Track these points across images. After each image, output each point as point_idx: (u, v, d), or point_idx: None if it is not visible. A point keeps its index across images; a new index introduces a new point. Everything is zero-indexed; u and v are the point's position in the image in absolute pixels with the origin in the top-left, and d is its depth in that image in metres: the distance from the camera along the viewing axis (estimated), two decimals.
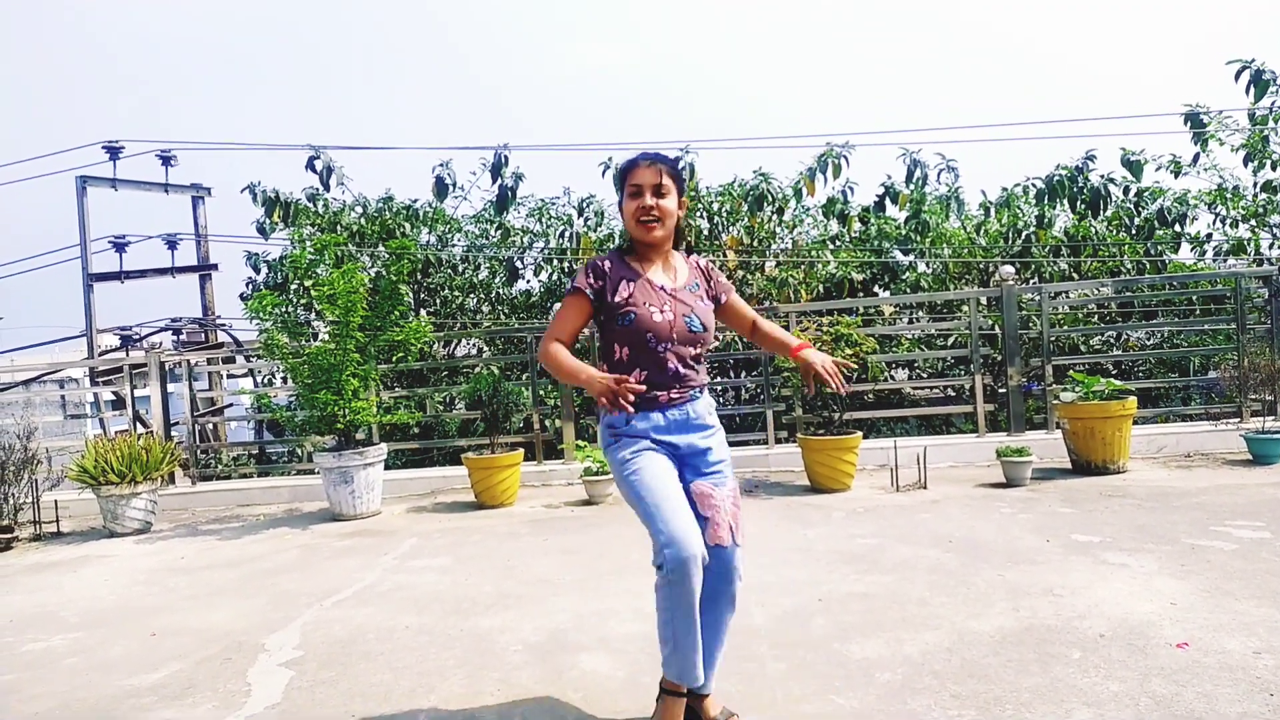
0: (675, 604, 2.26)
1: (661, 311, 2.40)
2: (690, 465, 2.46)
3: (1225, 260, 10.46)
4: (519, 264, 11.39)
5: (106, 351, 15.18)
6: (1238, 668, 2.64)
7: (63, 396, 16.82)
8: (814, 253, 10.67)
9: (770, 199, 10.50)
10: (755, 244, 10.60)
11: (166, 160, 13.69)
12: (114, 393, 12.80)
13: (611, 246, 10.97)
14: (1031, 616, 3.20)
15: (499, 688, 2.89)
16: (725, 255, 10.20)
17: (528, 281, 11.60)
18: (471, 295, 11.41)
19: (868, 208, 11.27)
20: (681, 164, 10.68)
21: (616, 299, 2.41)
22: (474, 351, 11.34)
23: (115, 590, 4.64)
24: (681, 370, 2.44)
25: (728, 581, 2.42)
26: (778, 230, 11.15)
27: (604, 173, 10.73)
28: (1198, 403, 7.92)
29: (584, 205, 11.17)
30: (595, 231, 11.02)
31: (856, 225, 11.32)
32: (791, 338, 2.69)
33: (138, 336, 15.37)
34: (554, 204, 11.44)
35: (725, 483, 2.45)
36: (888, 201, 11.13)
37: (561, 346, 2.41)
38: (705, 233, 10.58)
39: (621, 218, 2.50)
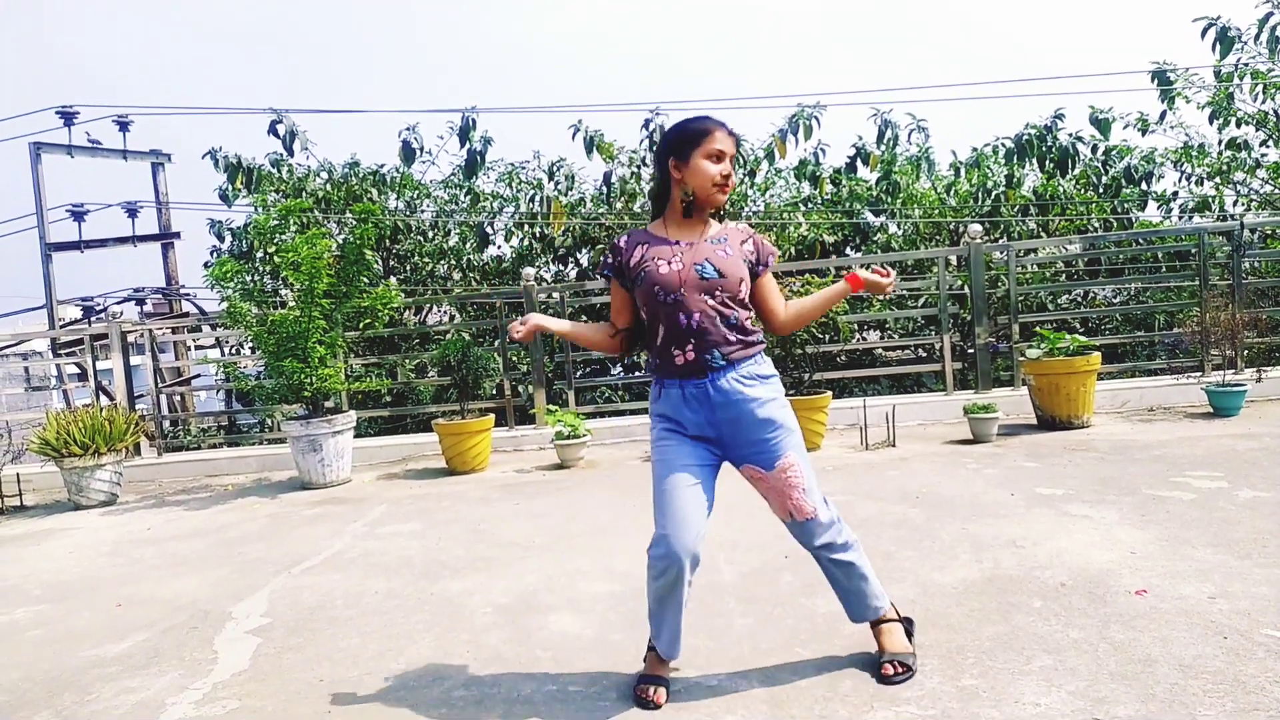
0: (653, 593, 2.40)
1: (669, 263, 2.33)
2: (733, 444, 2.38)
3: (1190, 218, 10.57)
4: (489, 229, 11.26)
5: (69, 323, 14.88)
6: (1193, 612, 2.70)
7: (26, 369, 16.50)
8: (786, 215, 10.65)
9: (742, 161, 10.43)
10: (728, 207, 10.55)
11: (124, 126, 13.33)
12: (77, 365, 12.58)
13: (581, 209, 10.90)
14: (994, 567, 3.25)
15: (468, 649, 2.89)
16: None
17: (499, 247, 11.49)
18: (442, 261, 11.27)
19: (839, 169, 11.23)
20: (652, 126, 10.57)
21: (632, 263, 2.39)
22: (446, 318, 11.24)
23: (80, 562, 4.59)
24: (699, 326, 2.31)
25: (812, 550, 2.48)
26: (750, 193, 11.10)
27: (574, 135, 10.60)
28: (1162, 358, 8.04)
29: (554, 169, 11.03)
30: (566, 195, 10.90)
31: (828, 187, 11.29)
32: (838, 286, 2.50)
33: (100, 307, 15.09)
34: (524, 168, 11.30)
35: (773, 463, 2.37)
36: (859, 163, 11.10)
37: (606, 333, 2.54)
38: None
39: (676, 175, 2.36)
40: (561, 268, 11.44)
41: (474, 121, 10.74)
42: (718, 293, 2.33)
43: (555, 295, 7.90)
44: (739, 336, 2.36)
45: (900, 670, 2.41)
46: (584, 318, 9.65)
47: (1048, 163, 10.50)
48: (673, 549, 2.28)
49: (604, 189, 10.66)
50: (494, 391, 7.67)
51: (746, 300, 2.40)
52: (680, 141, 2.36)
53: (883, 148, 10.81)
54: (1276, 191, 10.34)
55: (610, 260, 2.45)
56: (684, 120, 2.42)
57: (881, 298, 2.48)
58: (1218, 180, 10.47)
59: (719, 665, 2.59)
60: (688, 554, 2.29)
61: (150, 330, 8.07)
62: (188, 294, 14.84)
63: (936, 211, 10.92)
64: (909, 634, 2.57)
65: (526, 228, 11.10)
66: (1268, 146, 10.32)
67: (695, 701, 2.39)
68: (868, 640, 2.68)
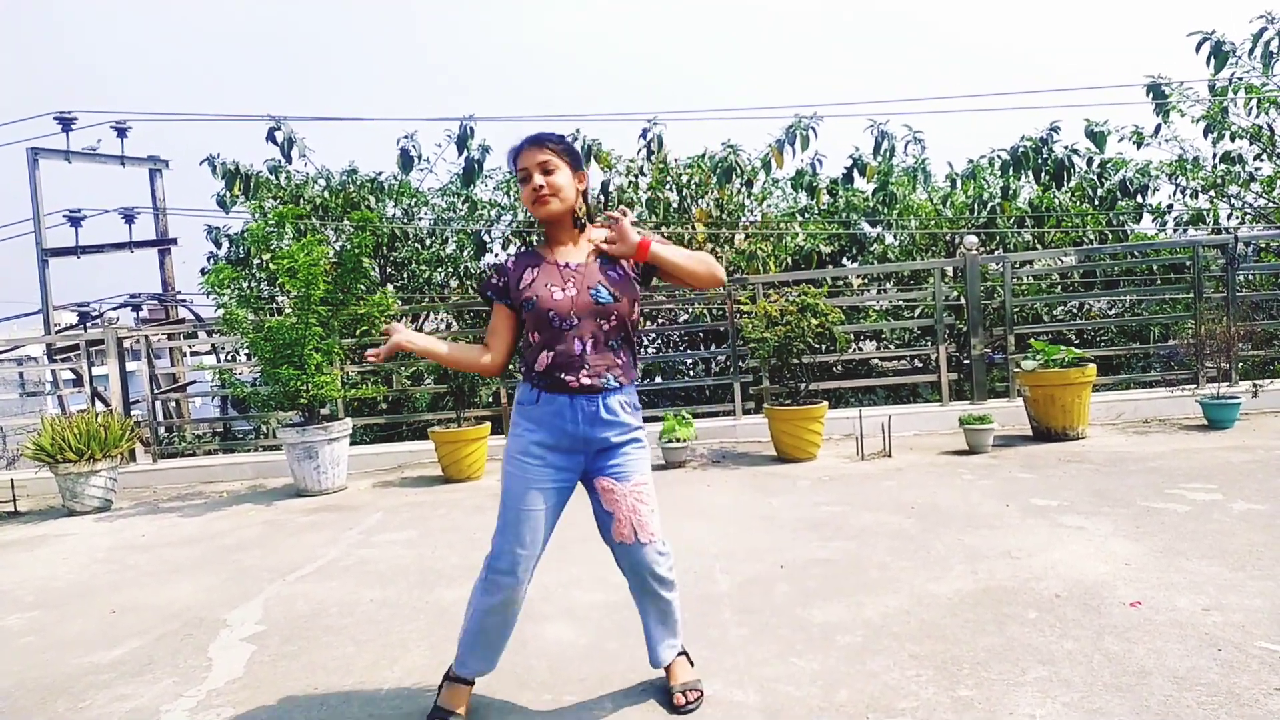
0: (491, 609, 2.39)
1: (563, 289, 2.30)
2: (596, 459, 2.38)
3: (1185, 230, 10.62)
4: (486, 237, 11.28)
5: (64, 328, 14.87)
6: (1187, 624, 2.70)
7: (20, 374, 16.46)
8: (783, 225, 10.68)
9: (739, 171, 10.46)
10: (724, 216, 10.58)
11: (122, 132, 13.33)
12: (72, 370, 12.55)
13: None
14: (989, 579, 3.25)
15: None
16: (694, 228, 10.17)
17: (495, 255, 11.51)
18: (439, 269, 11.29)
19: (836, 180, 11.28)
20: (649, 135, 10.60)
21: (520, 286, 2.34)
22: (442, 326, 11.25)
23: (73, 569, 4.57)
24: (591, 352, 2.30)
25: (640, 577, 2.42)
26: (747, 203, 11.12)
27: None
28: (1157, 370, 8.08)
29: None
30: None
31: (825, 197, 11.33)
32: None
33: (96, 313, 15.06)
34: None
35: (630, 477, 2.36)
36: (855, 173, 11.15)
37: (476, 355, 2.44)
38: (674, 205, 10.53)
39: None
40: None
41: (472, 130, 10.78)
42: (613, 317, 2.32)
43: None
44: (626, 358, 2.38)
45: (694, 696, 2.42)
46: None
47: (1043, 175, 10.55)
48: (517, 568, 2.32)
49: (601, 198, 10.68)
50: (490, 399, 7.67)
51: (635, 320, 2.40)
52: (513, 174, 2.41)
53: (879, 159, 10.86)
54: (1270, 205, 10.40)
55: (495, 281, 2.41)
56: None
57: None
58: (1212, 193, 10.52)
59: (715, 675, 2.59)
60: (528, 575, 2.34)
61: (146, 336, 8.06)
62: (184, 300, 14.82)
63: (933, 223, 10.96)
64: (689, 661, 2.57)
65: (524, 236, 11.12)
66: (1262, 160, 10.38)
67: (692, 710, 2.39)
68: (862, 649, 2.68)
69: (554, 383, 2.31)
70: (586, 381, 2.30)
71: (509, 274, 2.39)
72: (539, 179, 2.31)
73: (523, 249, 2.47)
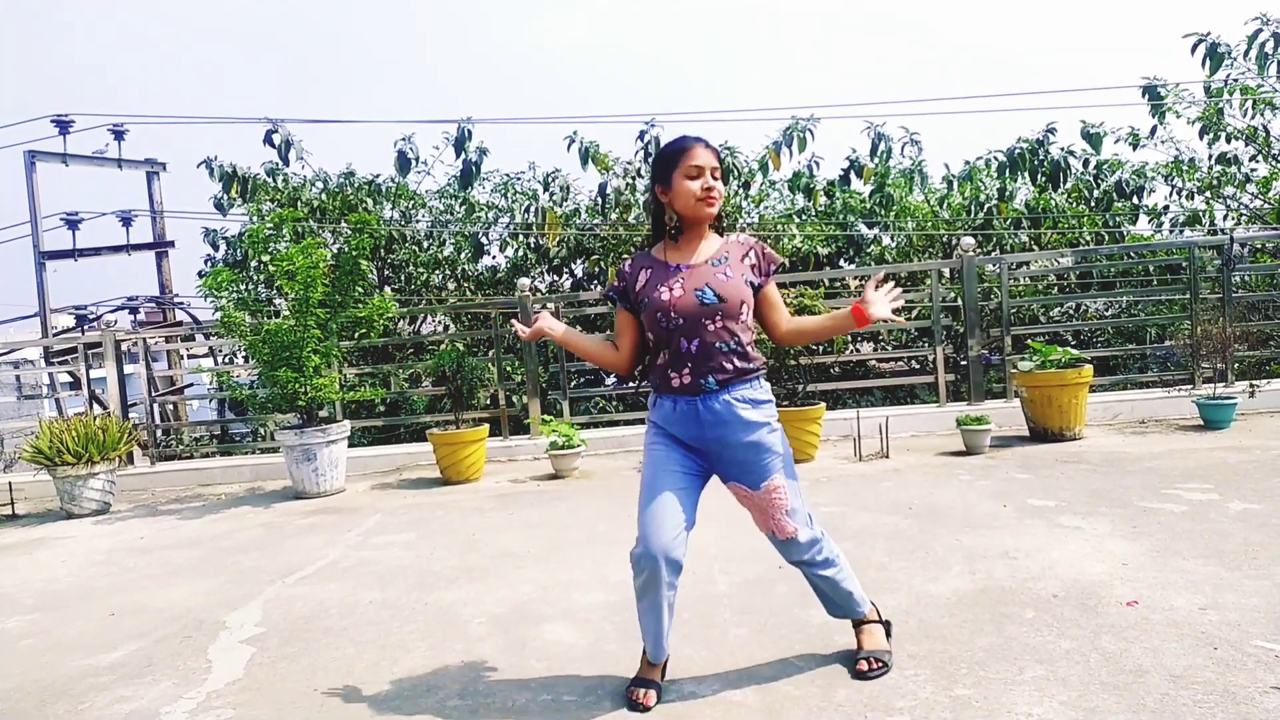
0: (638, 592, 2.44)
1: (670, 289, 2.36)
2: (720, 460, 2.44)
3: (1181, 231, 10.65)
4: (484, 239, 11.29)
5: (62, 331, 14.86)
6: (1184, 623, 2.72)
7: (17, 377, 16.45)
8: (780, 226, 10.70)
9: (736, 173, 10.48)
10: (721, 219, 10.59)
11: (119, 134, 13.33)
12: (70, 373, 12.54)
13: (576, 220, 10.93)
14: (987, 579, 3.27)
15: (462, 660, 2.89)
16: None
17: (493, 257, 11.52)
18: (437, 271, 11.29)
19: (833, 181, 11.29)
20: (647, 137, 10.62)
21: (637, 288, 2.44)
22: (440, 328, 11.25)
23: (72, 571, 4.57)
24: (698, 351, 2.35)
25: (797, 563, 2.55)
26: (744, 204, 11.15)
27: (569, 147, 10.64)
28: (1153, 371, 8.10)
29: (550, 179, 11.08)
30: (561, 206, 10.94)
31: (822, 199, 11.35)
32: (842, 315, 2.42)
33: (94, 316, 15.05)
34: (519, 179, 11.33)
35: (759, 484, 2.42)
36: (852, 175, 11.16)
37: (610, 351, 2.58)
38: None
39: (663, 199, 2.43)
40: (556, 278, 11.48)
41: (469, 132, 10.78)
42: (718, 318, 2.36)
43: (550, 306, 7.92)
44: (736, 363, 2.39)
45: (876, 665, 2.50)
46: (579, 328, 9.67)
47: (1040, 176, 10.58)
48: (648, 548, 2.34)
49: (599, 200, 10.70)
50: (488, 401, 7.67)
51: (749, 322, 2.44)
52: (661, 167, 2.43)
53: (876, 160, 10.87)
54: (1266, 206, 10.43)
55: (618, 285, 2.51)
56: (664, 145, 2.47)
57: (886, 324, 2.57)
58: (1208, 194, 10.56)
59: (714, 674, 2.60)
60: (662, 554, 2.33)
61: (144, 339, 8.06)
62: (181, 303, 14.82)
63: (929, 224, 10.98)
64: (888, 634, 2.65)
65: (521, 238, 11.13)
66: (1257, 161, 10.41)
67: (690, 708, 2.40)
68: None
69: (663, 382, 2.42)
70: (688, 380, 2.37)
71: (627, 277, 2.47)
72: (712, 180, 2.37)
73: (638, 252, 2.49)
